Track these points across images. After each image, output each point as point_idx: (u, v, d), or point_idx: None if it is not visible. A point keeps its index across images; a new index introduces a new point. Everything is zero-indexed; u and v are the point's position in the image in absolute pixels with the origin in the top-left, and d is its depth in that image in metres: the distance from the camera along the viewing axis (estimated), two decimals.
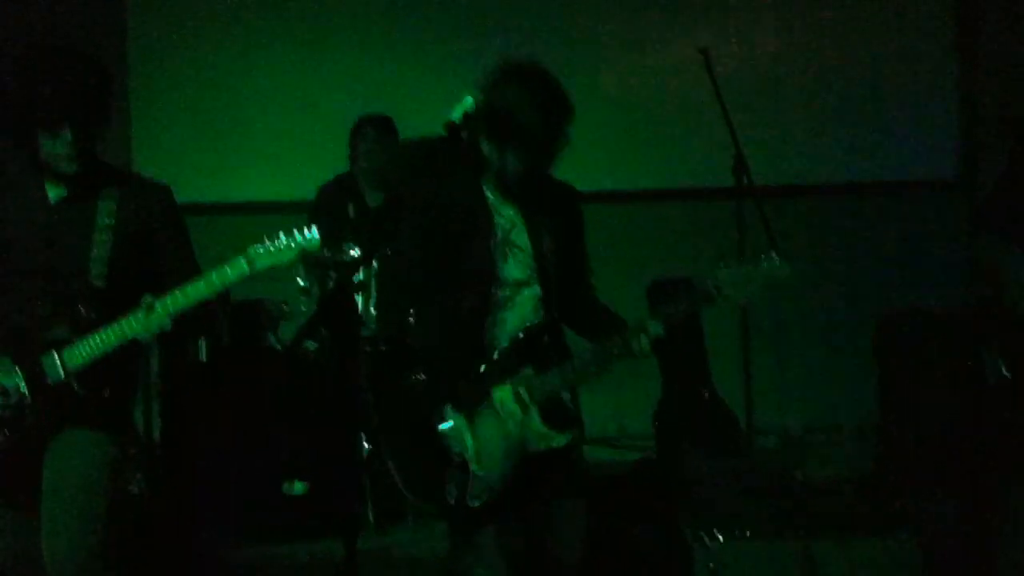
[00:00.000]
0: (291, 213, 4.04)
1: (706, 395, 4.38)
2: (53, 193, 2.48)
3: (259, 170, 4.99)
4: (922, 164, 4.84)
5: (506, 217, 2.49)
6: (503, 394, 2.39)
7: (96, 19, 4.90)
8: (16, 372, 2.38)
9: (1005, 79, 4.70)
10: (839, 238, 4.89)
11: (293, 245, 2.42)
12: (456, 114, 2.35)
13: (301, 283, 3.87)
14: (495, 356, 2.42)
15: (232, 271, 2.39)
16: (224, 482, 3.54)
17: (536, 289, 2.48)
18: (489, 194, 2.46)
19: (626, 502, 3.54)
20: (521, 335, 2.44)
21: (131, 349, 2.42)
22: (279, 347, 4.05)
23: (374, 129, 4.21)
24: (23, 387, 2.38)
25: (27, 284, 2.46)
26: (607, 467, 4.20)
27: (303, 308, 3.97)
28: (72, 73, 2.39)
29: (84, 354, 2.38)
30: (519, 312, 2.49)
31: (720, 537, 3.13)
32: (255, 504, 3.51)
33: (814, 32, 4.91)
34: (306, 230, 2.43)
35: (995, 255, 2.52)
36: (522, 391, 2.38)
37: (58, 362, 2.37)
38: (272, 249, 2.41)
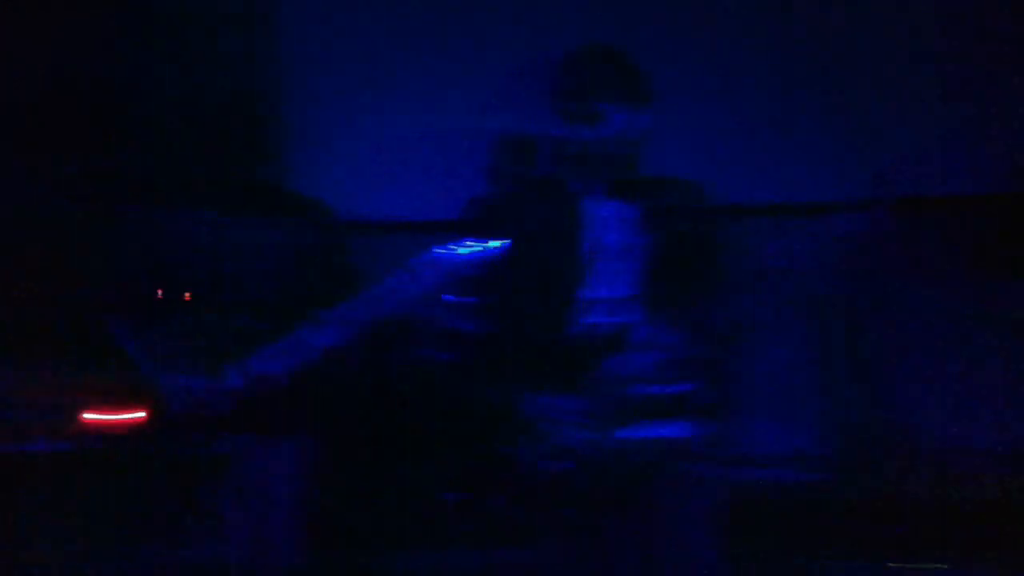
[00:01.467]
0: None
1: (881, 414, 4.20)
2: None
3: (411, 188, 5.06)
4: None
5: (601, 218, 2.45)
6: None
7: (252, 41, 5.05)
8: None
9: None
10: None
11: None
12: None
13: (447, 299, 3.90)
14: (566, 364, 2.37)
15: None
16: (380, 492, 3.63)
17: (616, 304, 2.40)
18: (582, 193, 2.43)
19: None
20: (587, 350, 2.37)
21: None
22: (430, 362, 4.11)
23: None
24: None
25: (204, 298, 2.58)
26: (778, 489, 4.05)
27: (450, 324, 4.02)
28: None
29: (272, 364, 2.52)
30: (595, 322, 2.41)
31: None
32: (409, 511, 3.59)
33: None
34: None
35: None
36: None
37: (242, 372, 2.51)
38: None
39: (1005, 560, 3.15)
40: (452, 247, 2.49)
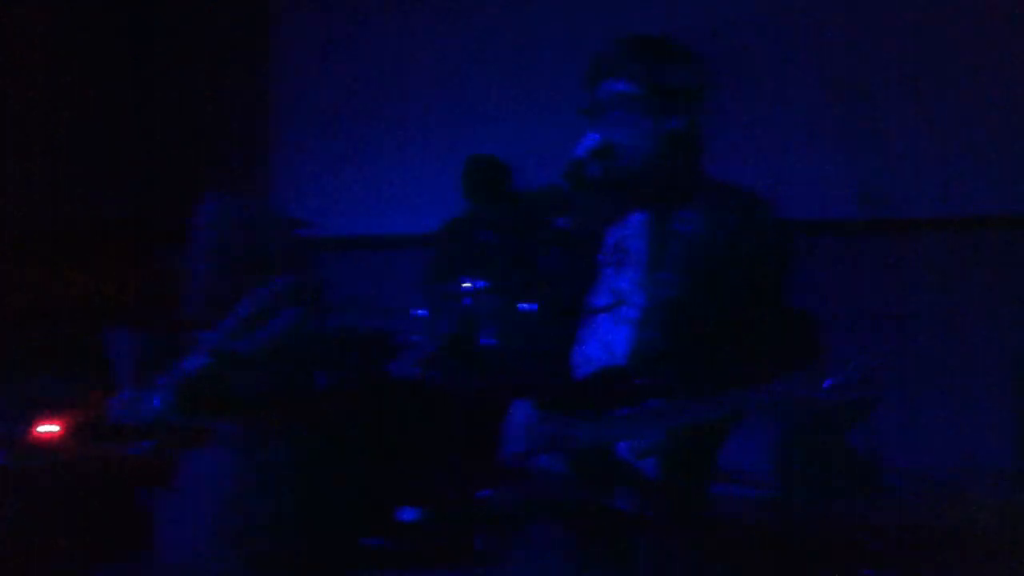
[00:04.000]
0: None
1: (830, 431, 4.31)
2: None
3: (396, 204, 5.13)
4: None
5: (628, 222, 2.23)
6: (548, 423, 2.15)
7: (240, 55, 5.13)
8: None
9: None
10: (974, 273, 4.73)
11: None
12: (581, 150, 2.18)
13: (418, 314, 3.97)
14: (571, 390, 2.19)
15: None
16: (342, 508, 3.65)
17: (632, 313, 2.15)
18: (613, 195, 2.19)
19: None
20: (598, 374, 2.15)
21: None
22: (402, 377, 4.16)
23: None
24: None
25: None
26: (728, 502, 4.14)
27: (416, 339, 4.08)
28: None
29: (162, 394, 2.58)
30: (607, 335, 2.19)
31: None
32: (370, 530, 3.61)
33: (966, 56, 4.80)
34: None
35: None
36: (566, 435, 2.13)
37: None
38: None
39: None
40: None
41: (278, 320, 2.55)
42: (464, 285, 3.63)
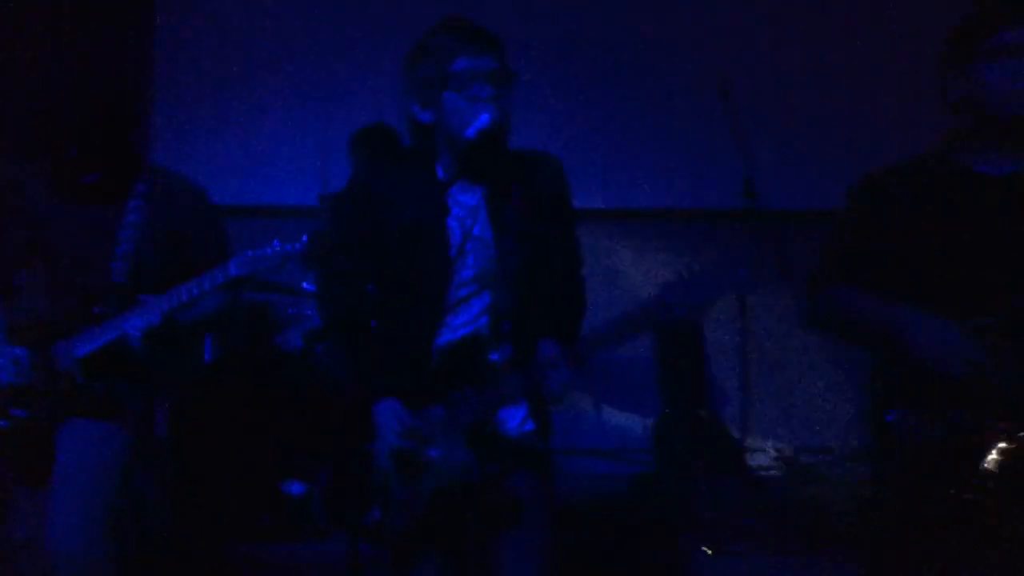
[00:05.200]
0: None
1: (703, 415, 4.46)
2: (82, 192, 2.59)
3: (280, 173, 5.07)
4: None
5: (468, 207, 2.27)
6: (429, 418, 2.19)
7: (123, 20, 4.98)
8: (27, 357, 2.50)
9: None
10: None
11: (271, 254, 2.44)
12: (472, 131, 2.18)
13: (307, 287, 3.92)
14: (428, 372, 2.21)
15: (210, 279, 2.46)
16: (227, 483, 3.61)
17: (487, 294, 2.25)
18: (446, 181, 2.22)
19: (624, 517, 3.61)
20: (454, 347, 2.23)
21: (144, 346, 2.49)
22: (288, 350, 4.11)
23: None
24: (31, 372, 2.50)
25: (57, 279, 2.55)
26: (605, 480, 4.28)
27: (309, 312, 4.03)
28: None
29: (88, 346, 2.50)
30: (464, 320, 2.26)
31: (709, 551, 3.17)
32: (257, 504, 3.58)
33: (830, 57, 4.96)
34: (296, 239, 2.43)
35: (871, 311, 2.29)
36: (447, 416, 2.18)
37: (66, 352, 2.50)
38: (254, 257, 2.44)
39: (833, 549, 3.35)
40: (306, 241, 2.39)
41: (214, 299, 2.53)
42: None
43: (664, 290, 2.08)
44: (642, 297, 2.10)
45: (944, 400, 2.15)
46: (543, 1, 4.99)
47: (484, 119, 2.17)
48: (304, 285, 3.94)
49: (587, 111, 4.90)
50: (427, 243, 2.25)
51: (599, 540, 3.26)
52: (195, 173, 2.71)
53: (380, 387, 2.24)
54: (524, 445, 2.26)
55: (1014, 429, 2.11)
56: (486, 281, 2.25)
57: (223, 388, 3.82)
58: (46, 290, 2.58)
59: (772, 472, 4.42)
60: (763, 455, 4.53)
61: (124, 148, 2.64)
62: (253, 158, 5.09)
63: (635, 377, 4.53)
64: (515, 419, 2.27)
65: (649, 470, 4.43)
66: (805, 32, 4.99)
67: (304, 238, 2.42)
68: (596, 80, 4.93)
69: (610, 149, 4.93)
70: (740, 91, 4.02)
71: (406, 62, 2.32)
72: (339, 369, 2.39)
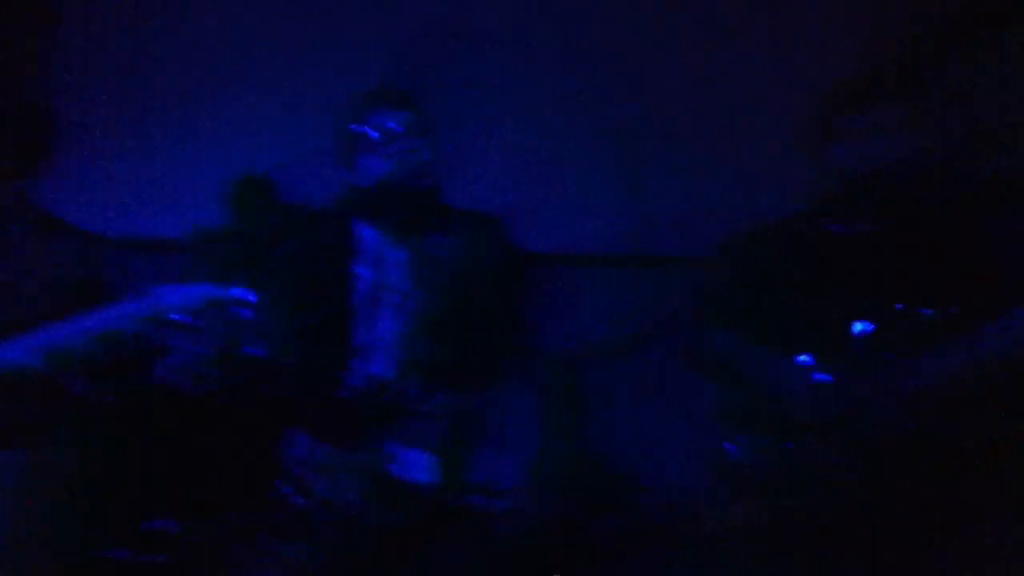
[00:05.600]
0: None
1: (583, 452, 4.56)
2: None
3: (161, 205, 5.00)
4: None
5: (386, 258, 2.34)
6: (329, 459, 2.22)
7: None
8: None
9: None
10: None
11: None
12: (364, 179, 2.35)
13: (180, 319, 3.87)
14: (340, 413, 2.26)
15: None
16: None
17: (404, 343, 2.30)
18: (368, 234, 2.28)
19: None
20: (367, 392, 2.26)
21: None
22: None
23: None
24: None
25: None
26: (502, 519, 4.28)
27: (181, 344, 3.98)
28: None
29: None
30: (375, 368, 2.31)
31: None
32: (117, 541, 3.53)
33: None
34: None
35: (738, 352, 2.52)
36: (349, 459, 2.23)
37: None
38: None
39: None
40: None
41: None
42: (234, 294, 3.58)
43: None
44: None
45: (778, 431, 2.31)
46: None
47: (395, 175, 2.23)
48: (176, 316, 3.91)
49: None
50: (339, 292, 2.29)
51: None
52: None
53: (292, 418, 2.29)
54: (423, 491, 2.35)
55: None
56: (400, 332, 2.34)
57: (89, 423, 3.74)
58: None
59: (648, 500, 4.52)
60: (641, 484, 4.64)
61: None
62: (137, 189, 5.01)
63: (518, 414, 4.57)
64: (416, 466, 2.34)
65: (530, 507, 4.48)
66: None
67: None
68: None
69: None
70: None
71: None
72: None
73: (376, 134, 2.32)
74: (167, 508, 3.55)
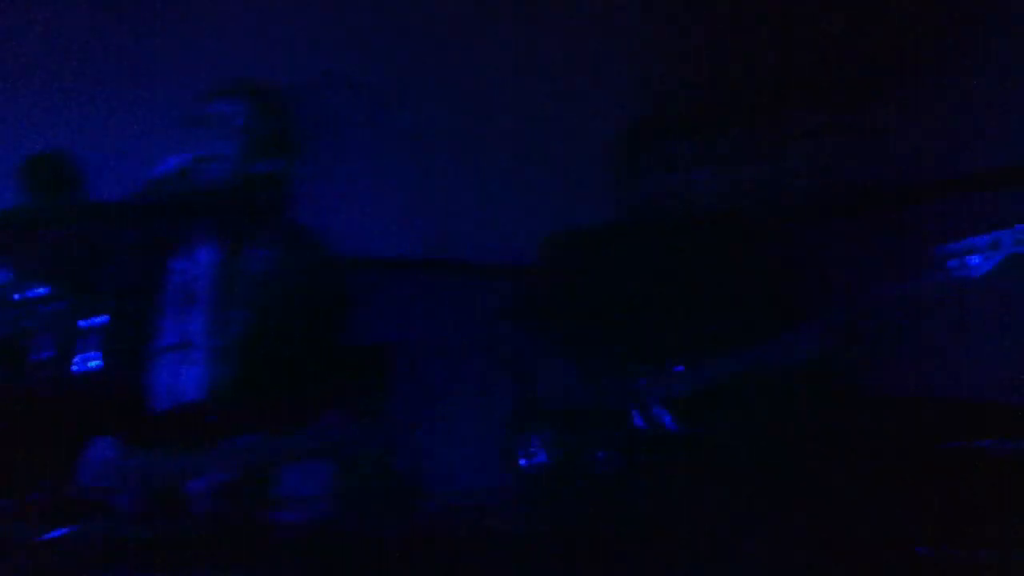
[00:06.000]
0: None
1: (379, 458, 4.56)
2: None
3: None
4: None
5: (195, 260, 2.25)
6: (124, 468, 2.12)
7: None
8: None
9: None
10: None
11: None
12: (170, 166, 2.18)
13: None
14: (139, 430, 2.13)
15: None
16: None
17: (204, 353, 2.22)
18: (183, 230, 2.18)
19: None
20: (171, 410, 2.17)
21: None
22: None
23: None
24: None
25: None
26: (279, 529, 4.20)
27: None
28: None
29: None
30: (180, 373, 2.23)
31: None
32: None
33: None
34: None
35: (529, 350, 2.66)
36: (138, 471, 2.13)
37: None
38: None
39: None
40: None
41: None
42: (18, 289, 3.40)
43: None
44: None
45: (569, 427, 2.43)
46: None
47: (170, 162, 2.14)
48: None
49: None
50: (145, 299, 2.20)
51: None
52: None
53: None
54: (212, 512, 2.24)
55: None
56: (200, 341, 2.24)
57: None
58: None
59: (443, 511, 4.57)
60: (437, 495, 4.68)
61: None
62: None
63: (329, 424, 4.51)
64: (209, 487, 2.25)
65: (326, 517, 4.44)
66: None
67: None
68: None
69: None
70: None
71: None
72: None
73: (210, 126, 2.22)
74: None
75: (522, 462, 2.44)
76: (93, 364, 2.23)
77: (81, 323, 2.25)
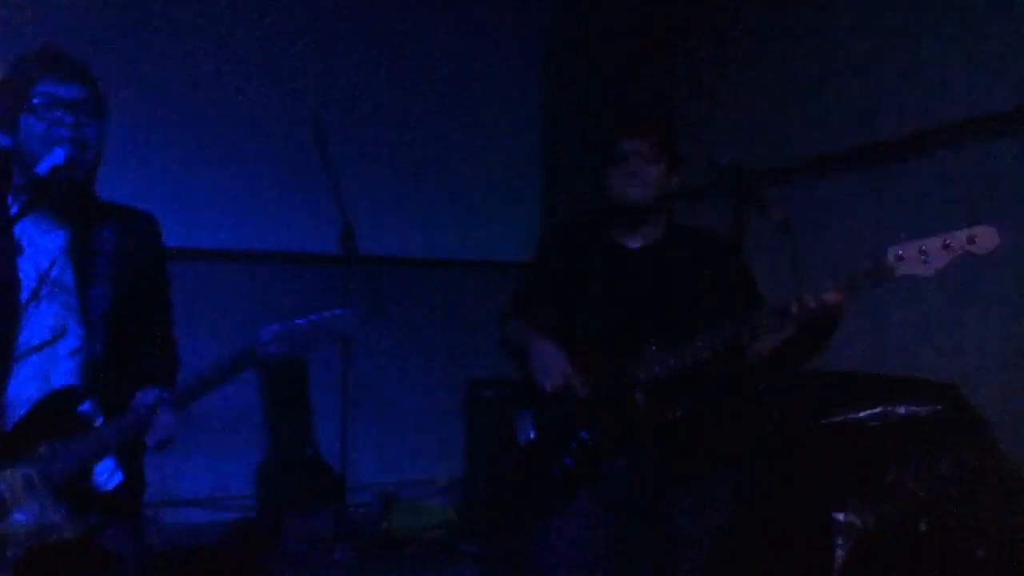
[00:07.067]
0: None
1: (309, 453, 4.60)
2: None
3: None
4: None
5: (46, 249, 2.19)
6: (13, 479, 2.10)
7: None
8: None
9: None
10: (435, 308, 5.31)
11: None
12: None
13: None
14: (10, 428, 2.10)
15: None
16: None
17: (73, 342, 2.18)
18: (16, 215, 2.11)
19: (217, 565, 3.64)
20: (43, 401, 2.13)
21: None
22: None
23: None
24: None
25: None
26: (204, 529, 4.25)
27: None
28: None
29: None
30: (48, 370, 2.17)
31: None
32: None
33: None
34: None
35: (520, 337, 2.73)
36: (35, 475, 2.10)
37: None
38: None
39: None
40: None
41: None
42: None
43: (267, 333, 2.15)
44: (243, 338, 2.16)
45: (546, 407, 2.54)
46: None
47: (59, 155, 2.12)
48: None
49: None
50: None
51: None
52: None
53: None
54: (115, 498, 2.23)
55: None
56: (69, 329, 2.18)
57: None
58: None
59: (372, 507, 4.65)
60: (364, 491, 4.74)
61: None
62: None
63: (240, 420, 4.55)
64: (104, 471, 2.23)
65: (249, 516, 4.47)
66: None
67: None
68: None
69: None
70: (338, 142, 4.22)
71: None
72: None
73: (44, 102, 2.13)
74: None
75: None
76: None
77: None
